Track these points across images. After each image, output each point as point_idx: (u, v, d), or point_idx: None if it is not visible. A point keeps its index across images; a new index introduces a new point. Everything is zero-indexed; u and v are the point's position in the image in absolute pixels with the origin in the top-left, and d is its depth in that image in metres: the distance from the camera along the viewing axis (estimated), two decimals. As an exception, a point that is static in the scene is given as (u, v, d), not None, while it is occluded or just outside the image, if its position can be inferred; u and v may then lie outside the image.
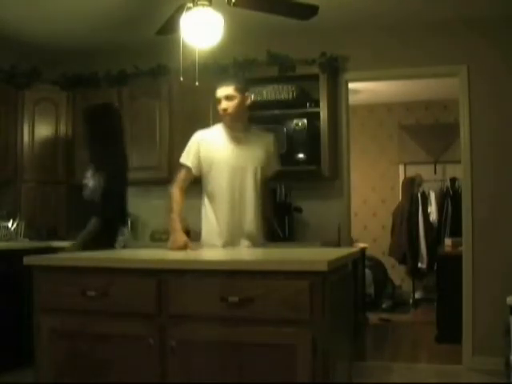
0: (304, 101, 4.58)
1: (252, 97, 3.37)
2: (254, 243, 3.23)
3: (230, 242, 3.21)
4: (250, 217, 3.20)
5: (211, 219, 3.28)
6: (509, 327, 3.70)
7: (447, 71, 4.68)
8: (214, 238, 3.25)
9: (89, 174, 3.62)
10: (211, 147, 3.23)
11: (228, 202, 3.19)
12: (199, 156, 3.23)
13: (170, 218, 3.24)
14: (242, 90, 3.17)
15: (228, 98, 3.13)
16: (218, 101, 3.16)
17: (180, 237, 3.10)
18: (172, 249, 3.05)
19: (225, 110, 3.14)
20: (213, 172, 3.21)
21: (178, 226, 3.17)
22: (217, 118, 4.59)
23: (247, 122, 3.28)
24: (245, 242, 3.22)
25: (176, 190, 3.28)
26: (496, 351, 4.08)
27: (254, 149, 3.22)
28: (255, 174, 3.20)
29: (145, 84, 4.93)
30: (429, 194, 7.44)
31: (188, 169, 3.26)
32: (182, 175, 3.29)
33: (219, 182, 3.20)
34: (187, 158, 3.26)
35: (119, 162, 3.71)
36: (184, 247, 3.04)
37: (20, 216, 4.75)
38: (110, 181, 3.55)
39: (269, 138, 3.32)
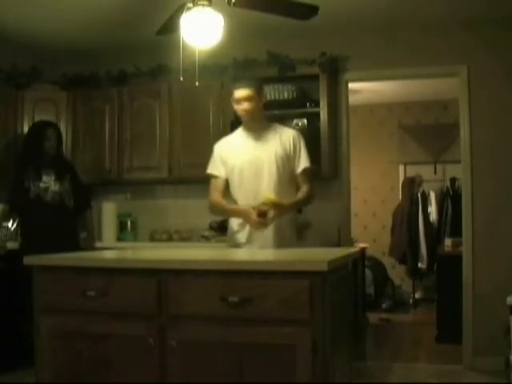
0: (304, 101, 4.57)
1: (267, 96, 3.45)
2: (276, 243, 3.17)
3: (251, 241, 3.21)
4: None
5: (233, 220, 3.31)
6: (509, 327, 3.70)
7: (447, 71, 4.68)
8: (236, 238, 3.27)
9: (48, 178, 4.09)
10: (231, 153, 3.27)
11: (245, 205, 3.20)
12: (223, 162, 3.27)
13: (230, 212, 3.30)
14: (259, 90, 3.25)
15: (247, 99, 3.18)
16: (237, 101, 3.21)
17: (247, 210, 3.10)
18: (255, 222, 3.05)
19: (246, 110, 3.20)
20: (233, 177, 3.25)
21: (235, 207, 3.23)
22: (216, 116, 4.66)
23: (265, 120, 3.34)
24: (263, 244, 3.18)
25: (215, 196, 3.27)
26: (496, 351, 4.08)
27: (271, 146, 3.22)
28: (272, 173, 3.18)
29: (145, 84, 4.94)
30: (429, 194, 7.42)
31: (216, 177, 3.29)
32: (213, 186, 3.30)
33: (239, 184, 3.24)
34: (213, 167, 3.30)
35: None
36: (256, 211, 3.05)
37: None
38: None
39: (288, 134, 3.31)
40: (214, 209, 3.33)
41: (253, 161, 3.20)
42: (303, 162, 3.27)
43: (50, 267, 2.41)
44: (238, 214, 3.21)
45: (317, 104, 4.51)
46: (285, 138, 3.26)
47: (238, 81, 3.37)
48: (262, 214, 3.02)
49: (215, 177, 3.29)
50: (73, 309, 2.34)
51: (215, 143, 3.39)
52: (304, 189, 3.26)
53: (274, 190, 3.15)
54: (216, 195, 3.26)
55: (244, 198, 3.21)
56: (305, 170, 3.27)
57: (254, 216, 3.03)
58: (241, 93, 3.19)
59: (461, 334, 4.53)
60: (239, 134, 3.35)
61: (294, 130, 3.44)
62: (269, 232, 3.14)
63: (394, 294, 7.40)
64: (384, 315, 6.63)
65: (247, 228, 3.18)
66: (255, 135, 3.26)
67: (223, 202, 3.26)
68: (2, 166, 4.54)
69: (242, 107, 3.19)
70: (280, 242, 3.15)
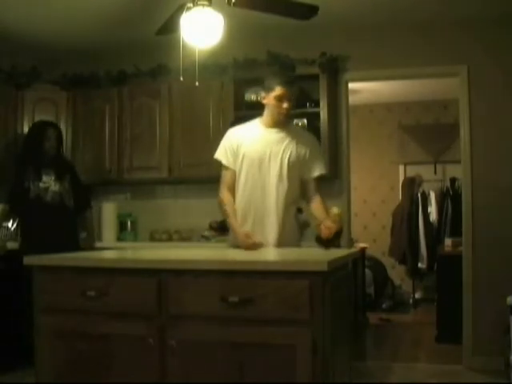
0: (304, 101, 4.57)
1: None
2: (279, 243, 3.13)
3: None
4: (272, 218, 3.14)
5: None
6: (509, 327, 3.70)
7: (447, 71, 4.68)
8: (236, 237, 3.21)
9: (48, 178, 4.09)
10: (245, 141, 3.20)
11: (250, 201, 3.17)
12: (234, 152, 3.20)
13: (229, 223, 3.22)
14: None
15: (289, 98, 3.14)
16: (280, 98, 3.12)
17: (242, 234, 3.08)
18: (246, 247, 3.00)
19: (287, 109, 3.14)
20: (243, 165, 3.18)
21: (236, 226, 3.16)
22: (216, 116, 4.64)
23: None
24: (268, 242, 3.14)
25: (224, 194, 3.23)
26: (496, 351, 4.08)
27: (288, 145, 3.16)
28: (283, 171, 3.13)
29: (145, 84, 4.94)
30: (429, 193, 7.43)
31: (226, 168, 3.23)
32: (222, 180, 3.25)
33: (246, 175, 3.17)
34: (224, 155, 3.23)
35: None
36: (249, 238, 3.03)
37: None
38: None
39: (307, 137, 3.29)
40: (220, 206, 3.28)
41: (267, 154, 3.14)
42: (319, 169, 3.23)
43: (50, 267, 2.40)
44: (234, 231, 3.17)
45: (317, 104, 4.51)
46: (303, 140, 3.22)
47: (275, 77, 3.27)
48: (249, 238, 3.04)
49: (224, 167, 3.23)
50: (73, 309, 2.33)
51: (229, 129, 3.33)
52: (319, 196, 3.22)
53: (286, 189, 3.13)
54: (226, 194, 3.22)
55: (250, 190, 3.16)
56: (319, 177, 3.24)
57: (248, 244, 3.01)
58: (285, 91, 3.11)
59: (461, 334, 4.53)
60: (256, 126, 3.26)
61: (309, 134, 3.41)
62: (272, 231, 3.13)
63: (394, 293, 7.41)
64: (384, 315, 6.63)
65: (249, 227, 3.17)
66: (274, 131, 3.19)
67: (228, 208, 3.20)
68: (2, 166, 4.55)
69: (284, 105, 3.12)
70: (283, 242, 3.13)
